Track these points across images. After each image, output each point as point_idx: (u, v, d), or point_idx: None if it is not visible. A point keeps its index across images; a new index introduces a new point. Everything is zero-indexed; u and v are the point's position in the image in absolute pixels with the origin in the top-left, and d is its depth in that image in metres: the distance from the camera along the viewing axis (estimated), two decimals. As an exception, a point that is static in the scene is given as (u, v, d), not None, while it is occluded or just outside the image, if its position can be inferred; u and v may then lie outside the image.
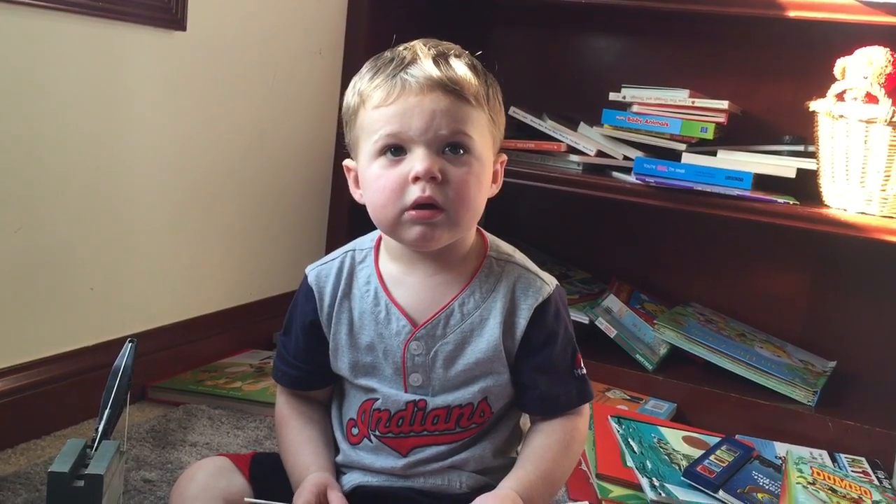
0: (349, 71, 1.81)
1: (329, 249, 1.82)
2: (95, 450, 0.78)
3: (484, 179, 0.89)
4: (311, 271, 0.96)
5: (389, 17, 1.82)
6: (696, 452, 1.34)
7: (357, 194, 0.93)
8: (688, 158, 1.62)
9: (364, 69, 0.90)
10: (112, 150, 1.33)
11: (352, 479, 0.92)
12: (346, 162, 0.94)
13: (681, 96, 1.66)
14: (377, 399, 0.92)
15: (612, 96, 1.71)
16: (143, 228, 1.41)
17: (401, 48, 0.89)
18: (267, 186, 1.68)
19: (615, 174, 1.71)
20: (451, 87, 0.85)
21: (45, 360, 1.27)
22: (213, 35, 1.48)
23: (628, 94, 1.70)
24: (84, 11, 1.22)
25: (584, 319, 1.73)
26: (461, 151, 0.86)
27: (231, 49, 1.53)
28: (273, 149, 1.68)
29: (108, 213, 1.34)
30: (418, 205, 0.85)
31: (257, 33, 1.58)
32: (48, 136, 1.22)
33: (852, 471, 1.38)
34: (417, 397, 0.91)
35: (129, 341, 0.87)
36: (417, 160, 0.84)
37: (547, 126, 1.78)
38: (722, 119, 1.64)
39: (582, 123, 1.77)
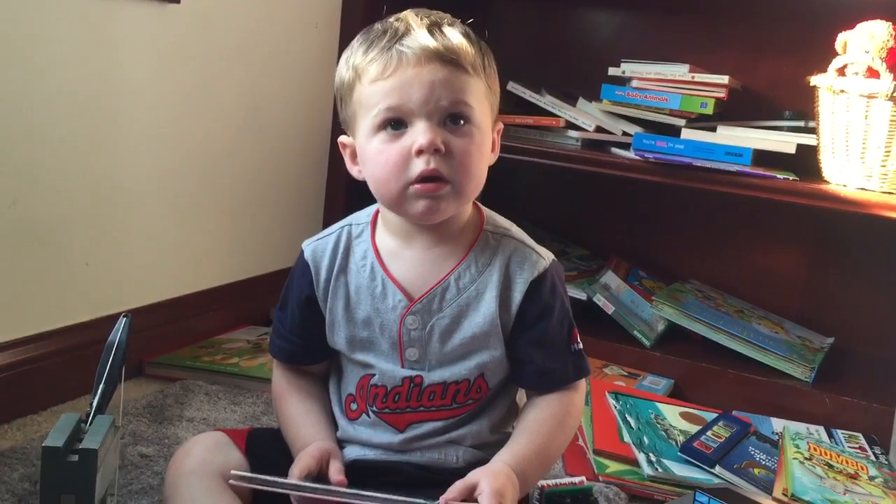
0: (346, 45, 1.77)
1: (326, 225, 1.80)
2: (90, 424, 0.78)
3: (485, 148, 0.88)
4: (308, 246, 0.96)
5: (386, -10, 1.80)
6: (693, 428, 1.35)
7: (355, 170, 0.92)
8: (687, 134, 1.61)
9: (355, 43, 0.89)
10: (106, 125, 1.32)
11: (350, 452, 0.92)
12: (342, 138, 0.94)
13: (680, 71, 1.64)
14: (374, 375, 0.92)
15: (612, 71, 1.70)
16: (139, 203, 1.41)
17: (391, 19, 0.88)
18: (263, 161, 1.67)
19: (614, 150, 1.70)
20: (448, 57, 0.84)
21: (41, 335, 1.26)
22: (208, 7, 1.46)
23: (628, 69, 1.69)
24: (76, -17, 1.21)
25: (583, 296, 1.72)
26: (462, 122, 0.85)
27: (225, 22, 1.51)
28: (269, 123, 1.67)
29: (103, 189, 1.33)
30: (423, 178, 0.84)
31: (252, 6, 1.56)
32: (42, 111, 1.21)
33: (849, 446, 1.38)
34: (414, 373, 0.91)
35: (124, 316, 0.87)
36: (420, 133, 0.83)
37: (545, 101, 1.76)
38: (722, 94, 1.63)
39: (581, 99, 1.76)
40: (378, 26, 0.88)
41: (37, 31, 1.18)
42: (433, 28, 0.85)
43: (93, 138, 1.30)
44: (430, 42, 0.84)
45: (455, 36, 0.86)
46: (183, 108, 1.46)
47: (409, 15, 0.87)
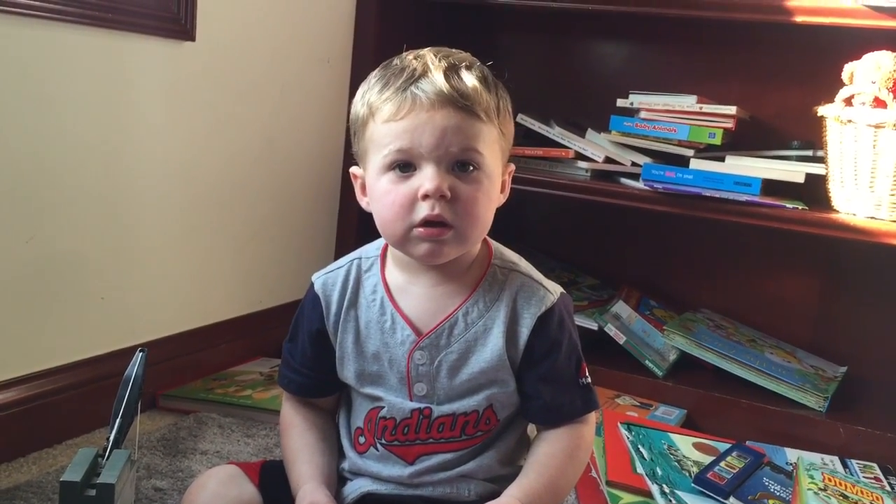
0: (357, 79, 1.79)
1: (338, 257, 1.82)
2: (107, 459, 0.79)
3: (493, 194, 0.89)
4: (318, 279, 0.96)
5: (397, 24, 1.83)
6: (707, 459, 1.34)
7: (364, 202, 0.93)
8: (696, 164, 1.62)
9: (373, 78, 0.89)
10: (122, 160, 1.34)
11: (360, 485, 0.92)
12: (353, 169, 0.94)
13: (688, 102, 1.66)
14: (383, 407, 0.92)
15: (620, 102, 1.71)
16: (153, 238, 1.42)
17: (410, 56, 0.88)
18: (276, 195, 1.69)
19: (623, 180, 1.71)
20: (461, 104, 0.84)
21: (57, 369, 1.28)
22: (222, 45, 1.49)
23: (636, 100, 1.70)
24: (93, 22, 1.23)
25: (593, 326, 1.73)
26: (470, 168, 0.86)
27: (240, 59, 1.54)
28: (282, 157, 1.68)
29: (118, 223, 1.35)
30: (427, 222, 0.85)
31: (266, 43, 1.59)
32: (58, 147, 1.23)
33: (864, 477, 1.37)
34: (423, 405, 0.91)
35: (140, 350, 0.88)
36: (426, 178, 0.84)
37: (555, 133, 1.78)
38: (730, 124, 1.64)
39: (590, 130, 1.77)
40: (397, 62, 0.88)
41: (52, 68, 1.20)
42: (450, 71, 0.85)
43: (107, 174, 1.32)
44: (445, 87, 0.84)
45: (471, 81, 0.85)
46: (197, 143, 1.48)
47: (428, 55, 0.87)
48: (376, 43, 1.79)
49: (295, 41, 1.66)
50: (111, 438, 0.81)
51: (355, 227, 1.82)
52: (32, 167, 1.20)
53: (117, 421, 0.82)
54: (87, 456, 0.78)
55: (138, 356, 0.86)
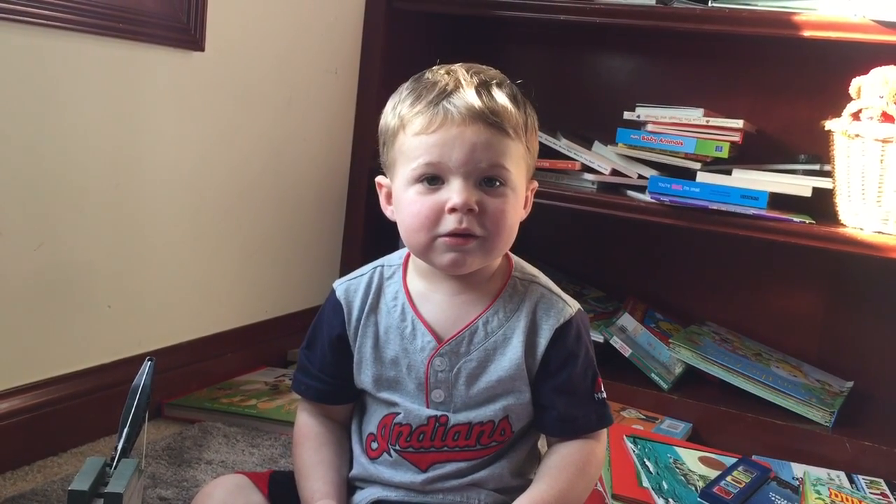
0: (364, 90, 1.82)
1: (344, 267, 1.82)
2: (115, 468, 0.79)
3: (517, 208, 0.90)
4: (340, 286, 0.97)
5: (404, 36, 1.84)
6: (713, 473, 1.34)
7: (388, 210, 0.94)
8: (703, 177, 1.62)
9: (404, 91, 0.91)
10: (130, 169, 1.34)
11: (371, 493, 0.92)
12: (379, 179, 0.95)
13: (695, 115, 1.66)
14: (398, 413, 0.92)
15: (627, 115, 1.72)
16: (161, 246, 1.42)
17: (442, 71, 0.90)
18: (282, 205, 1.69)
19: (630, 193, 1.71)
20: (492, 120, 0.86)
21: (62, 377, 1.27)
22: (231, 55, 1.49)
23: (643, 112, 1.70)
24: (104, 32, 1.24)
25: (599, 338, 1.72)
26: (497, 184, 0.87)
27: (248, 69, 1.54)
28: (289, 167, 1.69)
29: (126, 231, 1.35)
30: (452, 233, 0.86)
31: (274, 53, 1.59)
32: (68, 155, 1.23)
33: (870, 492, 1.37)
34: (439, 413, 0.91)
35: (149, 360, 0.88)
36: (455, 192, 0.85)
37: (561, 145, 1.78)
38: (737, 138, 1.64)
39: (596, 142, 1.77)
40: (428, 76, 0.90)
41: (63, 77, 1.20)
42: (481, 88, 0.87)
43: (116, 182, 1.32)
44: (477, 103, 0.85)
45: (501, 98, 0.87)
46: (204, 152, 1.48)
47: (460, 71, 0.89)
48: (384, 54, 1.80)
49: (303, 52, 1.67)
50: (119, 447, 0.81)
51: (361, 237, 1.82)
52: (41, 175, 1.20)
53: (125, 430, 0.82)
54: (95, 465, 0.78)
55: (146, 365, 0.86)
